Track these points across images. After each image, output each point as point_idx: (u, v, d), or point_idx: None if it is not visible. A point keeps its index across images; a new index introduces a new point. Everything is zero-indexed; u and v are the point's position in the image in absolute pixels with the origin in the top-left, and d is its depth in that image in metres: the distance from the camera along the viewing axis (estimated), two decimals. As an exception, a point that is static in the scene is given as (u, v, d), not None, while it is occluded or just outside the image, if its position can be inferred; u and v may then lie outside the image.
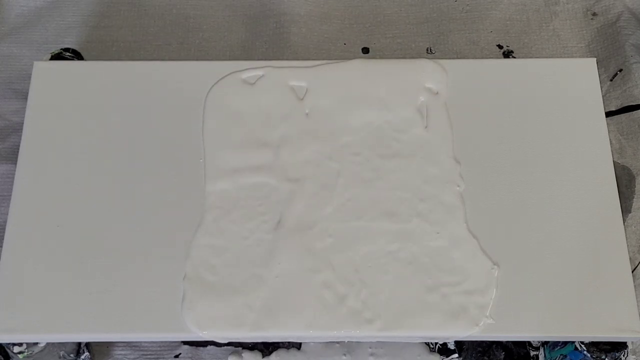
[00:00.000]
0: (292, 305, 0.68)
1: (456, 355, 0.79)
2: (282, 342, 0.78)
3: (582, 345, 0.70)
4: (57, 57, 0.85)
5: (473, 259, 0.70)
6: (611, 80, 0.92)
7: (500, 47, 0.97)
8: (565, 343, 0.72)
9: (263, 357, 0.78)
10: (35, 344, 0.69)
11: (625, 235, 0.71)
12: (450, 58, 0.91)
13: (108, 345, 0.79)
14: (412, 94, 0.78)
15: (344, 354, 0.77)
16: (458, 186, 0.74)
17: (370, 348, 0.77)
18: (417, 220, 0.72)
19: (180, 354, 0.79)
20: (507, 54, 0.96)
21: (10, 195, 0.73)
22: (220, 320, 0.67)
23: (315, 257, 0.70)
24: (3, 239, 0.71)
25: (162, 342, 0.79)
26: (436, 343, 0.79)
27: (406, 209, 0.72)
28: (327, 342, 0.78)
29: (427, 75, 0.79)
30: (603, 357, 0.70)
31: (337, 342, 0.77)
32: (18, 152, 0.75)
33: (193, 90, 0.78)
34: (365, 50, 0.97)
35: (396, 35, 0.98)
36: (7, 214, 0.72)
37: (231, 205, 0.72)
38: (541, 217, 0.72)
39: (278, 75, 0.79)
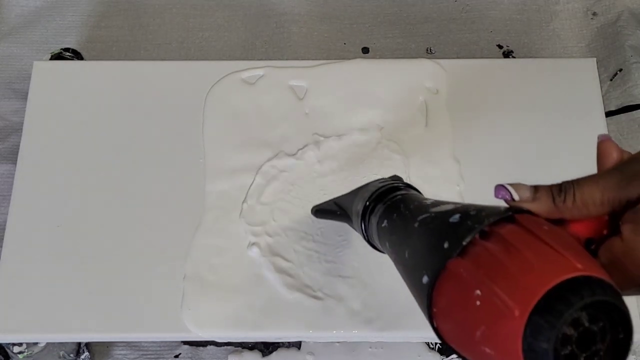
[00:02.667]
0: (292, 305, 0.68)
1: (456, 355, 0.79)
2: (282, 342, 0.78)
3: (582, 345, 0.70)
4: (57, 57, 0.85)
5: (473, 259, 0.70)
6: (611, 80, 0.92)
7: (500, 47, 0.97)
8: (565, 343, 0.72)
9: (263, 357, 0.78)
10: (35, 344, 0.69)
11: (625, 235, 0.71)
12: (450, 58, 0.91)
13: (108, 345, 0.79)
14: (412, 94, 0.78)
15: (344, 354, 0.77)
16: (458, 186, 0.73)
17: (370, 348, 0.77)
18: (417, 220, 0.72)
19: (180, 354, 0.79)
20: (507, 54, 0.96)
21: (10, 195, 0.73)
22: (220, 320, 0.67)
23: (315, 256, 0.70)
24: (3, 239, 0.71)
25: (162, 342, 0.79)
26: (436, 343, 0.79)
27: (406, 209, 0.72)
28: (327, 342, 0.78)
29: (427, 75, 0.79)
30: (603, 357, 0.69)
31: (337, 342, 0.77)
32: (18, 152, 0.75)
33: (193, 90, 0.78)
34: (365, 50, 0.97)
35: (396, 35, 0.98)
36: (7, 214, 0.72)
37: (231, 205, 0.72)
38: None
39: (278, 75, 0.79)
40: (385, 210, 0.54)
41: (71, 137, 0.76)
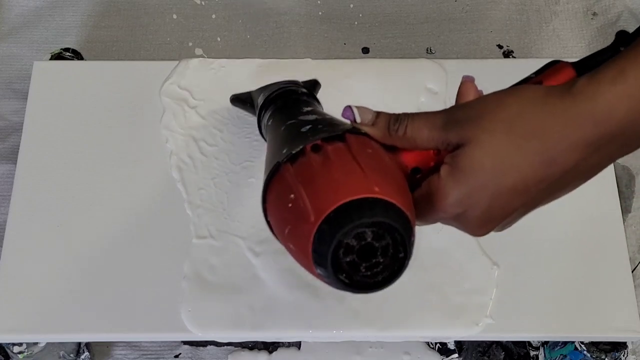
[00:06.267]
0: (292, 305, 0.68)
1: (456, 355, 0.79)
2: (282, 342, 0.78)
3: (582, 345, 0.70)
4: (57, 57, 0.85)
5: (473, 259, 0.70)
6: (611, 80, 0.92)
7: (500, 47, 0.97)
8: (565, 343, 0.72)
9: (263, 357, 0.78)
10: (35, 344, 0.69)
11: (625, 235, 0.71)
12: (450, 58, 0.91)
13: (108, 345, 0.79)
14: (412, 94, 0.78)
15: (344, 354, 0.77)
16: (458, 186, 0.73)
17: (370, 348, 0.77)
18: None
19: (180, 354, 0.79)
20: (507, 54, 0.96)
21: (10, 195, 0.73)
22: (220, 320, 0.67)
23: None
24: (3, 239, 0.71)
25: (162, 342, 0.79)
26: (436, 343, 0.79)
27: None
28: (327, 342, 0.78)
29: (427, 75, 0.79)
30: (603, 357, 0.70)
31: (337, 342, 0.77)
32: (18, 152, 0.75)
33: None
34: (365, 50, 0.97)
35: (396, 35, 0.98)
36: (7, 214, 0.72)
37: (231, 205, 0.72)
38: (541, 217, 0.71)
39: (277, 74, 0.79)
40: (275, 110, 0.61)
41: (71, 137, 0.76)
